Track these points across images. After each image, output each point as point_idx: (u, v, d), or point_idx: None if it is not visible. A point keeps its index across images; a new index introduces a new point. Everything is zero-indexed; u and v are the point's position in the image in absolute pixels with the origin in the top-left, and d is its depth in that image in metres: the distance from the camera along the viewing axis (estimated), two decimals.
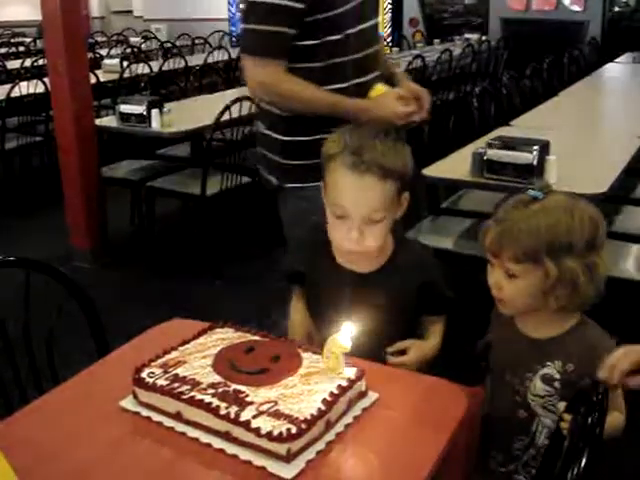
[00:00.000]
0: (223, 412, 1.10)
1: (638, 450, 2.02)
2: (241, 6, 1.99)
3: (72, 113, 3.73)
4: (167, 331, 1.49)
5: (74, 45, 3.71)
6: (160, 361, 1.26)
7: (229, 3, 11.25)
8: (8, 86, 4.87)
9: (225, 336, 1.35)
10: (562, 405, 1.26)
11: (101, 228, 3.97)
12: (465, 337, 1.59)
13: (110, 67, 6.16)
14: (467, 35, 8.38)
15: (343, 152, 1.42)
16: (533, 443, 1.42)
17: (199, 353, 1.28)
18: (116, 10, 12.27)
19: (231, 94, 4.77)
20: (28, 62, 6.49)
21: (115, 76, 5.86)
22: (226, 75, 6.49)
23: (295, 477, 1.03)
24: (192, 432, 1.13)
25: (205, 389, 1.16)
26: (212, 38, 9.00)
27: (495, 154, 2.49)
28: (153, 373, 1.21)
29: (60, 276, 1.56)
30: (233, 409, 1.10)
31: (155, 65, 6.37)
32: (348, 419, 1.17)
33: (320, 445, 1.09)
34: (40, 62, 6.00)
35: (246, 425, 1.07)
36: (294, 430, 1.05)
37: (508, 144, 2.52)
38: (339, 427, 1.14)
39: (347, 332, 1.19)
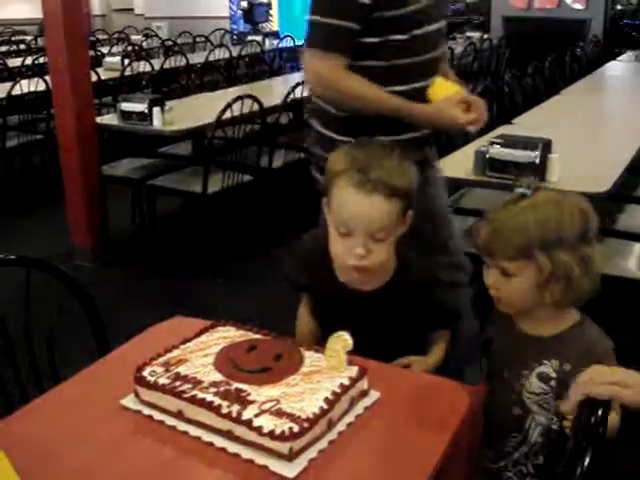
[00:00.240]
0: (225, 411, 1.10)
1: (633, 450, 2.01)
2: None
3: (73, 111, 3.73)
4: (168, 329, 1.49)
5: (75, 43, 3.71)
6: (161, 359, 1.25)
7: (230, 1, 11.26)
8: (9, 84, 4.86)
9: (227, 334, 1.35)
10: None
11: (102, 226, 3.97)
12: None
13: (111, 65, 6.16)
14: (469, 33, 8.36)
15: (349, 169, 1.41)
16: (526, 440, 1.42)
17: (200, 351, 1.28)
18: (117, 8, 12.27)
19: (232, 92, 4.77)
20: (29, 60, 6.49)
21: (116, 74, 5.87)
22: (227, 73, 6.50)
23: (297, 476, 1.03)
24: (194, 431, 1.13)
25: (207, 388, 1.16)
26: (213, 36, 8.98)
27: (497, 152, 2.49)
28: (154, 372, 1.21)
29: (61, 274, 1.55)
30: (235, 408, 1.10)
31: (156, 63, 6.37)
32: (350, 418, 1.16)
33: (322, 444, 1.09)
34: (41, 60, 6.00)
35: (248, 424, 1.07)
36: (296, 429, 1.05)
37: (510, 142, 2.52)
38: (341, 426, 1.14)
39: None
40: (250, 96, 3.80)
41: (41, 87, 4.76)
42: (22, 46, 8.61)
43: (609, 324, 1.40)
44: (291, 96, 4.20)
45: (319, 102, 1.97)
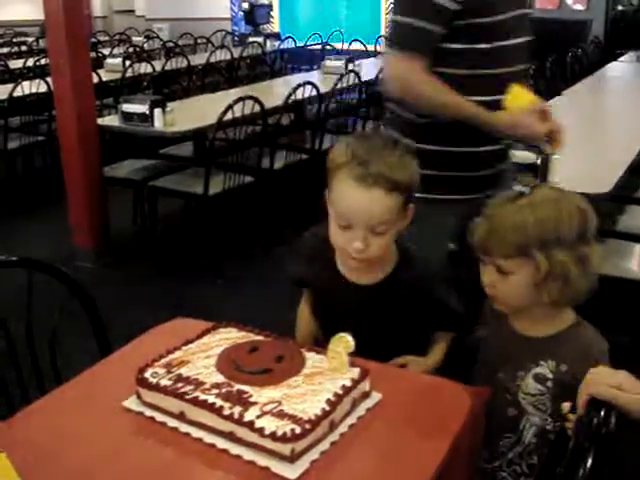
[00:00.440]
0: (227, 412, 1.10)
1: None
2: None
3: (74, 113, 3.73)
4: (170, 331, 1.49)
5: (76, 44, 3.71)
6: (163, 361, 1.25)
7: (231, 2, 11.26)
8: (10, 86, 4.87)
9: (228, 336, 1.35)
10: (567, 406, 1.25)
11: (103, 228, 3.98)
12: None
13: (112, 66, 6.17)
14: None
15: (350, 163, 1.40)
16: (520, 441, 1.42)
17: (202, 353, 1.28)
18: (118, 9, 12.26)
19: (234, 93, 4.77)
20: (30, 62, 6.50)
21: (117, 75, 5.88)
22: (228, 74, 6.50)
23: (299, 477, 1.03)
24: (196, 432, 1.12)
25: (209, 389, 1.16)
26: (214, 37, 8.99)
27: None
28: (156, 373, 1.21)
29: (62, 276, 1.55)
30: (237, 409, 1.10)
31: (157, 64, 6.38)
32: (352, 419, 1.16)
33: (324, 445, 1.09)
34: (42, 62, 6.01)
35: (250, 425, 1.07)
36: (298, 430, 1.05)
37: (512, 143, 2.51)
38: (343, 427, 1.14)
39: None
40: (251, 97, 3.80)
41: (42, 88, 4.77)
42: (23, 47, 8.61)
43: (610, 325, 1.40)
44: (292, 97, 4.20)
45: (396, 110, 1.94)
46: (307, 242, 1.63)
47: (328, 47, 8.39)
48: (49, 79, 4.30)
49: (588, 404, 1.07)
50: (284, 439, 1.04)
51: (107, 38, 9.66)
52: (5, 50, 8.39)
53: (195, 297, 3.40)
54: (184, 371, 1.22)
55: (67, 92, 3.72)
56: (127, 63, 6.14)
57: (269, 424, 1.06)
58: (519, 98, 1.83)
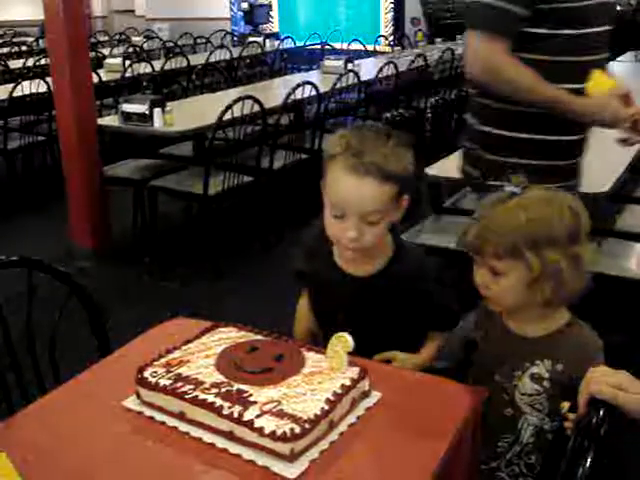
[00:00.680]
0: (226, 412, 1.10)
1: None
2: None
3: (74, 112, 3.74)
4: (169, 330, 1.49)
5: (76, 44, 3.72)
6: (163, 360, 1.25)
7: (231, 2, 11.27)
8: (11, 86, 4.87)
9: (228, 335, 1.35)
10: (566, 405, 1.25)
11: (103, 227, 3.98)
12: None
13: (112, 66, 6.16)
14: None
15: (345, 153, 1.41)
16: (518, 441, 1.42)
17: (202, 352, 1.28)
18: (118, 9, 12.28)
19: (233, 93, 4.77)
20: (30, 62, 6.50)
21: (117, 75, 5.87)
22: (228, 74, 6.49)
23: (298, 477, 1.03)
24: (195, 432, 1.13)
25: (208, 389, 1.16)
26: (214, 37, 8.99)
27: None
28: (156, 373, 1.21)
29: (62, 275, 1.55)
30: (236, 409, 1.10)
31: (157, 64, 6.38)
32: (351, 419, 1.16)
33: (323, 445, 1.09)
34: (42, 62, 6.01)
35: (249, 425, 1.07)
36: (297, 430, 1.05)
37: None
38: (342, 427, 1.14)
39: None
40: (251, 97, 3.80)
41: (42, 89, 4.76)
42: (23, 47, 8.61)
43: (609, 324, 1.40)
44: (291, 97, 4.20)
45: (477, 98, 1.92)
46: (307, 234, 1.64)
47: (327, 47, 8.40)
48: (49, 79, 4.30)
49: (588, 404, 1.07)
50: (283, 438, 1.04)
51: (107, 38, 9.66)
52: (5, 50, 8.39)
53: (195, 296, 3.40)
54: (184, 371, 1.22)
55: (67, 92, 3.72)
56: (127, 63, 6.14)
57: (268, 423, 1.06)
58: (601, 84, 1.80)
